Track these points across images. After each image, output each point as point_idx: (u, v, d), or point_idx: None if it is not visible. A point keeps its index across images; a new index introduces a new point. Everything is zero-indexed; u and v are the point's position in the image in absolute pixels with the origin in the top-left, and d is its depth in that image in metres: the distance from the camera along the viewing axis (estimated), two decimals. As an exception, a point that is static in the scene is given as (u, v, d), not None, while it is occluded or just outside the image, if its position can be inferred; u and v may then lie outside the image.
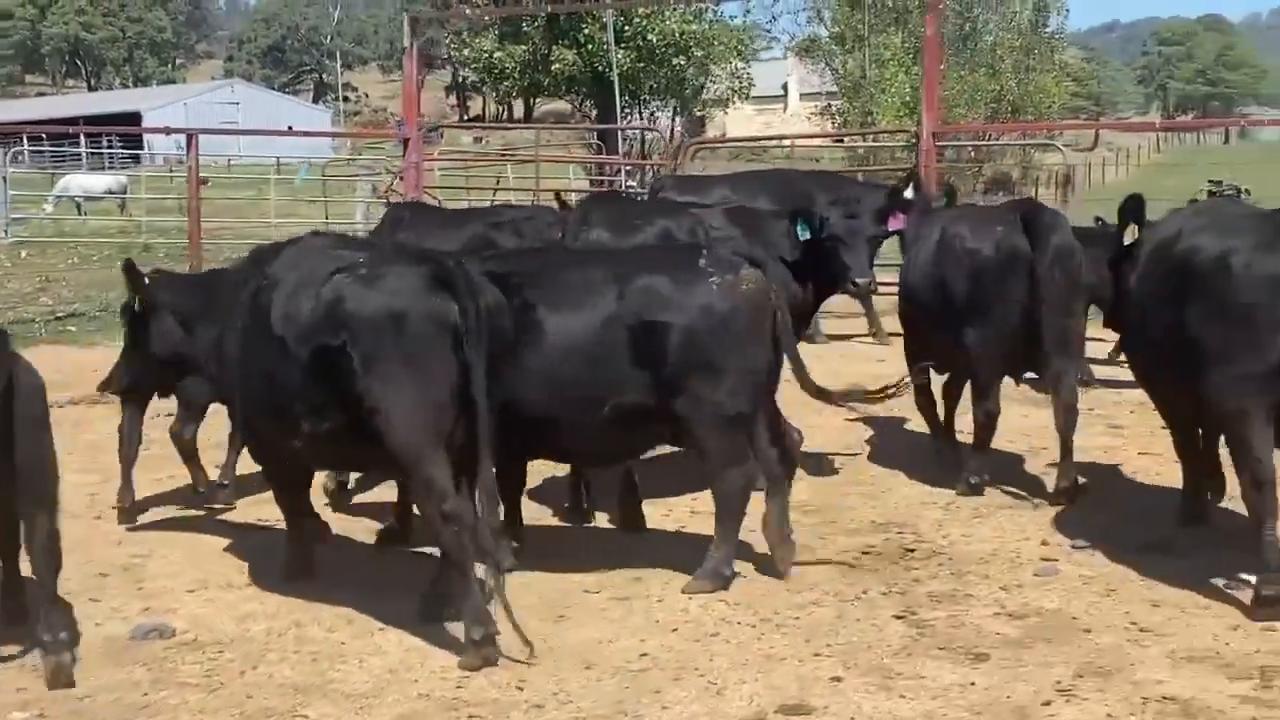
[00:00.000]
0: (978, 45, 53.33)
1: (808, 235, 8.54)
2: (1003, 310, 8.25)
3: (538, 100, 57.67)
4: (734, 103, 51.92)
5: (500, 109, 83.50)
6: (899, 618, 6.45)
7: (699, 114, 68.55)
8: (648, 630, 6.33)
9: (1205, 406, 6.66)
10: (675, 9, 37.65)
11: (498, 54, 41.35)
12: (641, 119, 40.77)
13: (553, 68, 40.48)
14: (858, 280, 8.42)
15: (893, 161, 41.75)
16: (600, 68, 37.10)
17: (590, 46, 39.27)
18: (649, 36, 38.82)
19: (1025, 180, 51.46)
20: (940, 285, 8.51)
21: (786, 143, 37.64)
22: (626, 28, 38.56)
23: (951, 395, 9.23)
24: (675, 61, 39.80)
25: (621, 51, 37.05)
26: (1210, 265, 6.44)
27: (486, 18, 36.40)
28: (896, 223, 8.66)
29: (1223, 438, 6.97)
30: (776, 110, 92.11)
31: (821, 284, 8.74)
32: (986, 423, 8.50)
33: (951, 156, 43.92)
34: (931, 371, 8.79)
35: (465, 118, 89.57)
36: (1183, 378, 6.66)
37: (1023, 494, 8.55)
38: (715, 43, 41.86)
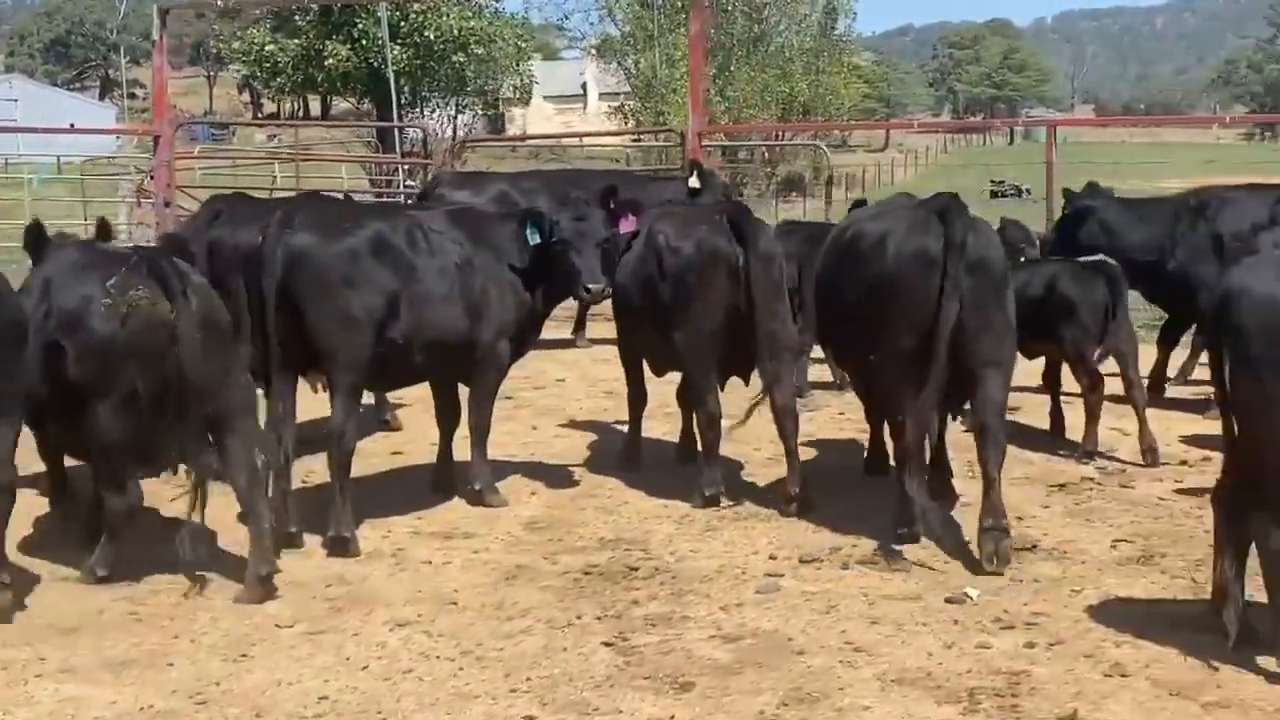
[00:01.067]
0: (769, 47, 53.86)
1: (537, 239, 8.18)
2: (708, 312, 8.03)
3: (333, 98, 56.35)
4: (518, 102, 51.49)
5: (295, 106, 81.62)
6: (608, 645, 6.11)
7: (498, 113, 68.10)
8: (336, 669, 5.86)
9: (871, 373, 7.58)
10: (453, 5, 37.09)
11: (270, 47, 40.23)
12: (424, 117, 40.04)
13: (326, 63, 39.51)
14: (589, 286, 8.06)
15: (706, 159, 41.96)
16: (376, 64, 36.33)
17: (365, 42, 38.44)
18: (426, 33, 38.13)
19: (817, 180, 52.33)
20: (647, 285, 8.25)
21: (582, 142, 37.62)
22: (403, 23, 37.84)
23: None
24: (455, 59, 39.20)
25: (398, 48, 36.32)
26: (871, 247, 7.40)
27: (253, 10, 35.66)
28: (628, 225, 8.32)
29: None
30: (577, 109, 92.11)
31: (552, 289, 8.38)
32: (709, 426, 8.22)
33: (745, 158, 44.29)
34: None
35: (259, 115, 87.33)
36: (856, 349, 7.61)
37: (762, 504, 8.28)
38: (497, 40, 41.36)
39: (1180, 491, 8.40)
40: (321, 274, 7.37)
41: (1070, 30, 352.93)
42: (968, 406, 7.50)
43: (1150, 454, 9.11)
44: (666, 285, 8.16)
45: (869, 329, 7.34)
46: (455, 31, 38.35)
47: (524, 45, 44.89)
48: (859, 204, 9.27)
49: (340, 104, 64.21)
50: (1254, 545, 5.59)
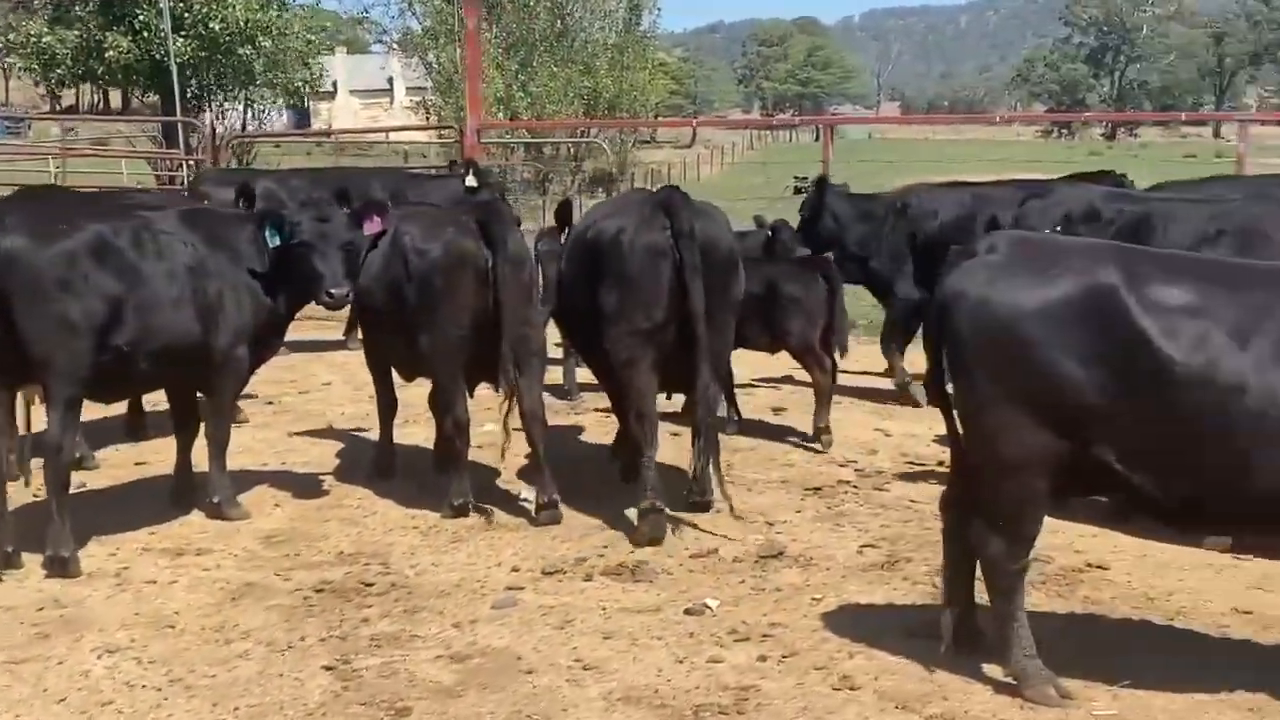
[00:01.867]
0: (573, 43, 53.58)
1: (278, 240, 7.82)
2: (456, 316, 7.78)
3: (134, 91, 54.34)
4: (324, 96, 50.47)
5: (95, 99, 78.89)
6: (329, 668, 5.82)
7: (303, 107, 66.62)
8: (30, 702, 5.48)
9: (606, 358, 7.78)
10: (238, -5, 36.07)
11: (48, 38, 38.62)
12: (210, 111, 38.88)
13: (106, 55, 38.05)
14: (331, 291, 7.72)
15: (488, 157, 41.58)
16: (158, 56, 35.10)
17: (147, 33, 37.12)
18: (212, 24, 36.95)
19: (623, 177, 52.27)
20: (393, 289, 7.97)
21: (388, 137, 36.98)
22: (187, 14, 36.63)
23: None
24: (242, 51, 38.13)
25: (181, 39, 35.15)
26: (608, 242, 7.66)
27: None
28: (373, 226, 7.99)
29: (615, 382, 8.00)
30: (383, 104, 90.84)
31: (294, 293, 8.03)
32: (456, 433, 7.97)
33: (550, 153, 44.04)
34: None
35: (58, 108, 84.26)
36: (601, 345, 7.77)
37: (513, 514, 8.06)
38: (287, 33, 40.32)
39: (932, 494, 8.40)
40: (34, 278, 6.91)
41: (877, 28, 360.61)
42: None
43: (825, 434, 9.59)
44: (413, 288, 7.88)
45: (610, 324, 7.65)
46: (242, 23, 37.26)
47: (315, 38, 43.85)
48: (562, 210, 9.42)
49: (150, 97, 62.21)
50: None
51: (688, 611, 6.42)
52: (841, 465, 9.19)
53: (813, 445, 9.61)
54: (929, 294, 10.62)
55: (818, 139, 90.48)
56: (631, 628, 6.23)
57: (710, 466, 7.77)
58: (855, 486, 8.66)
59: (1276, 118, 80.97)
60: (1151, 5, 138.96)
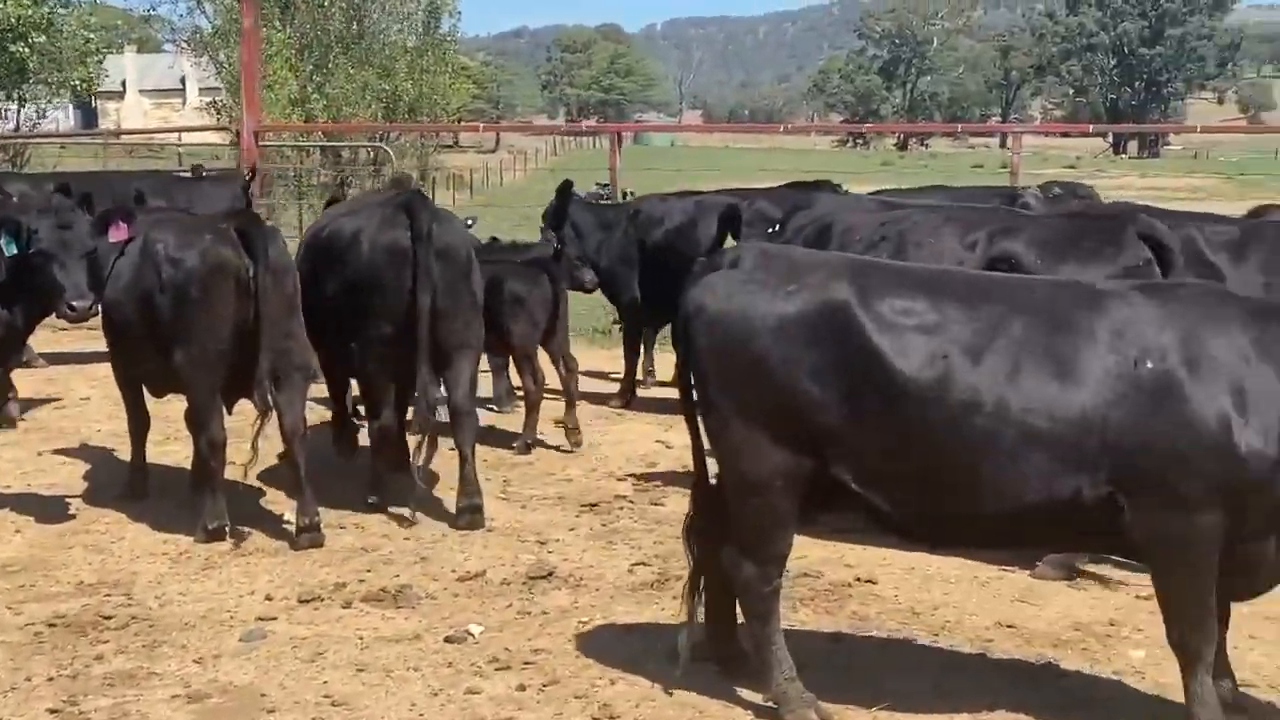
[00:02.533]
0: (370, 44, 52.75)
1: (14, 250, 7.32)
2: (214, 327, 7.40)
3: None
4: (113, 95, 48.66)
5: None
6: (54, 711, 5.41)
7: (91, 107, 64.28)
8: None
9: (355, 362, 8.03)
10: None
11: None
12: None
13: None
14: (73, 303, 7.26)
15: (282, 160, 40.56)
16: (-73, 53, 33.42)
17: (-85, 30, 35.25)
18: (-21, 21, 35.30)
19: (425, 181, 51.61)
20: (144, 300, 7.53)
21: (180, 138, 35.73)
22: (-46, 11, 34.91)
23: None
24: (14, 49, 36.47)
25: (-52, 36, 33.52)
26: (346, 242, 7.88)
27: None
28: (119, 233, 7.54)
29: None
30: (174, 104, 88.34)
31: (33, 305, 7.55)
32: (211, 453, 7.55)
33: (348, 157, 43.20)
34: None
35: None
36: (338, 340, 7.99)
37: (274, 537, 7.66)
38: (63, 30, 38.73)
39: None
40: None
41: (679, 37, 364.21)
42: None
43: (575, 434, 9.77)
44: (166, 299, 7.44)
45: (348, 321, 7.92)
46: (13, 20, 35.64)
47: (94, 35, 42.20)
48: (331, 202, 9.52)
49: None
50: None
51: (448, 639, 6.15)
52: (620, 479, 9.01)
53: (595, 467, 9.39)
54: (654, 301, 11.13)
55: (620, 145, 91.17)
56: (387, 659, 5.94)
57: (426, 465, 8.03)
58: (632, 502, 8.49)
59: (1046, 129, 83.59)
60: (941, 19, 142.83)
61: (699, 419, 5.30)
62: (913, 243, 7.60)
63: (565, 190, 11.70)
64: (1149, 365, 4.70)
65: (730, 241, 10.45)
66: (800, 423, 4.90)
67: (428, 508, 8.07)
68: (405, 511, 7.96)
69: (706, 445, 5.37)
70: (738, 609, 5.48)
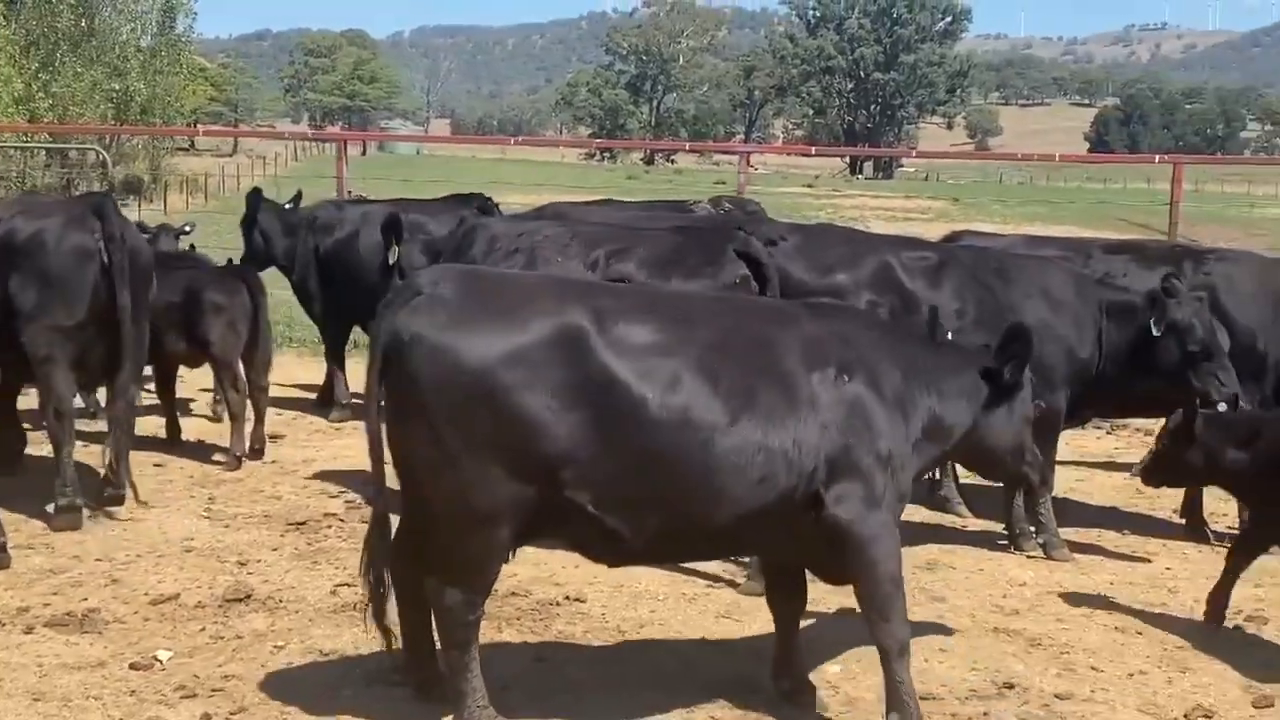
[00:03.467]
0: (101, 43, 50.84)
1: None
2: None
3: None
4: None
5: None
6: None
7: None
8: None
9: (23, 354, 7.79)
10: None
11: None
12: None
13: None
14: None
15: (5, 161, 38.69)
16: None
17: None
18: None
19: (156, 184, 49.92)
20: None
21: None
22: None
23: None
24: None
25: None
26: (27, 240, 7.69)
27: None
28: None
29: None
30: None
31: None
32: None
33: (75, 158, 41.43)
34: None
35: None
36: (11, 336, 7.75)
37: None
38: None
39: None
40: None
41: (428, 45, 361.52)
42: None
43: (257, 445, 9.73)
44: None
45: (29, 321, 7.72)
46: None
47: None
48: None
49: None
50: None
51: (134, 666, 5.88)
52: (332, 497, 8.81)
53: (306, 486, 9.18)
54: (332, 309, 11.26)
55: (364, 153, 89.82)
56: (67, 687, 5.64)
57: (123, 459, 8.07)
58: (342, 520, 8.28)
59: (774, 149, 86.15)
60: (687, 37, 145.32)
61: (404, 449, 5.01)
62: (542, 259, 7.70)
63: (252, 197, 11.64)
64: (846, 378, 5.09)
65: (395, 250, 10.56)
66: (536, 451, 4.78)
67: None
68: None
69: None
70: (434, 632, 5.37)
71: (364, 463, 9.29)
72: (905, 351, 5.42)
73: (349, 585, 7.03)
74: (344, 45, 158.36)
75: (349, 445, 10.23)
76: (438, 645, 5.32)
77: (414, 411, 4.85)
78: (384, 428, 5.00)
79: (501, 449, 4.76)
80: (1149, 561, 8.05)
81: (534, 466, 4.79)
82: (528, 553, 6.92)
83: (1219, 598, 6.84)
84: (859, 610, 5.28)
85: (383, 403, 4.98)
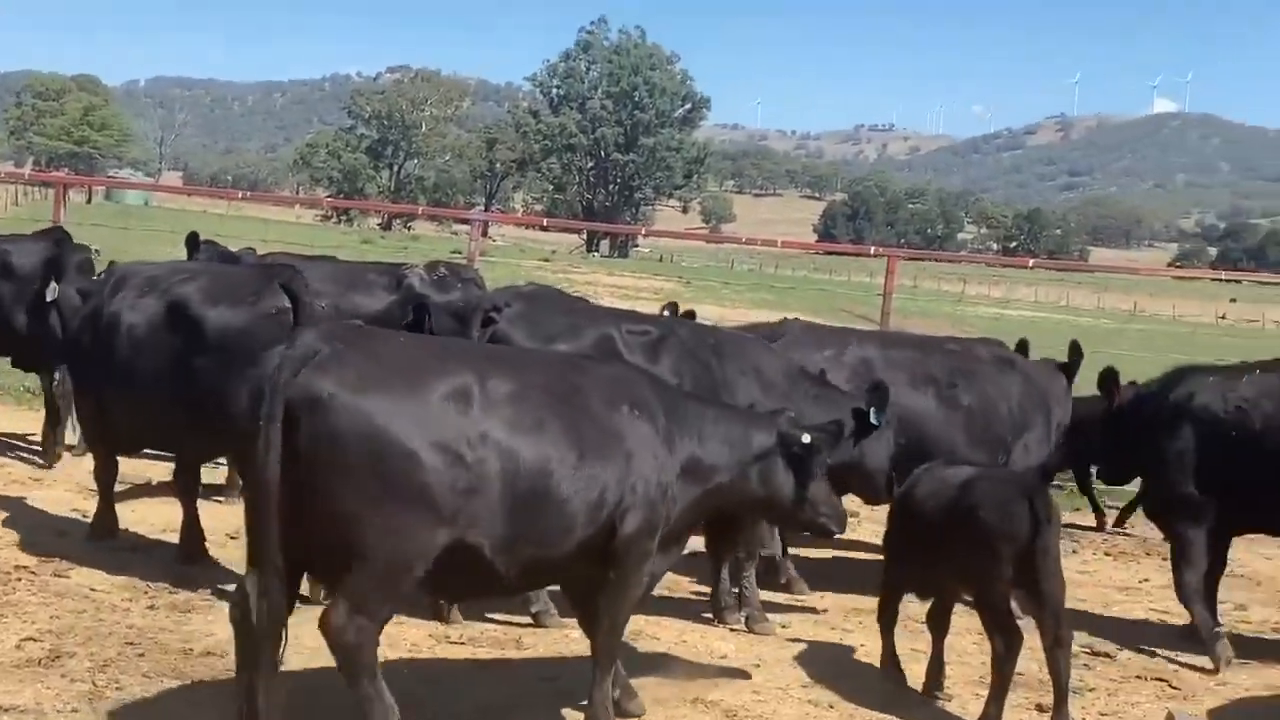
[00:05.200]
0: None
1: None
2: None
3: None
4: None
5: None
6: None
7: None
8: None
9: None
10: None
11: None
12: None
13: None
14: None
15: None
16: None
17: None
18: None
19: None
20: None
21: None
22: None
23: None
24: None
25: None
26: None
27: None
28: None
29: None
30: None
31: None
32: None
33: None
34: None
35: None
36: None
37: None
38: None
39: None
40: None
41: (163, 95, 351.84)
42: None
43: None
44: None
45: None
46: None
47: None
48: None
49: None
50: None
51: None
52: (25, 549, 8.41)
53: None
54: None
55: (90, 201, 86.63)
56: None
57: None
58: (34, 573, 7.93)
59: (507, 219, 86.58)
60: (430, 105, 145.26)
61: (315, 502, 5.20)
62: (133, 291, 8.28)
63: None
64: (636, 414, 5.81)
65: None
66: (439, 498, 5.23)
67: None
68: None
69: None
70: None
71: (60, 516, 9.11)
72: (669, 396, 6.17)
73: (36, 640, 6.79)
74: (74, 89, 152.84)
75: (47, 496, 9.84)
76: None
77: (327, 466, 5.18)
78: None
79: (410, 497, 5.20)
80: (848, 632, 8.31)
81: (437, 512, 5.24)
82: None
83: (936, 669, 7.18)
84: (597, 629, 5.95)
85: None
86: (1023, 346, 9.92)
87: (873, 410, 8.04)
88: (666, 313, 10.01)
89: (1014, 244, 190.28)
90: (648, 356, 8.11)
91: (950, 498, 6.81)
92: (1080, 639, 8.28)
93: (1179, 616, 8.93)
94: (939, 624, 7.20)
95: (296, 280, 7.94)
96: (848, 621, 8.57)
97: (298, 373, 5.20)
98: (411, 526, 5.21)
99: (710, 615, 8.31)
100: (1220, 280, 58.87)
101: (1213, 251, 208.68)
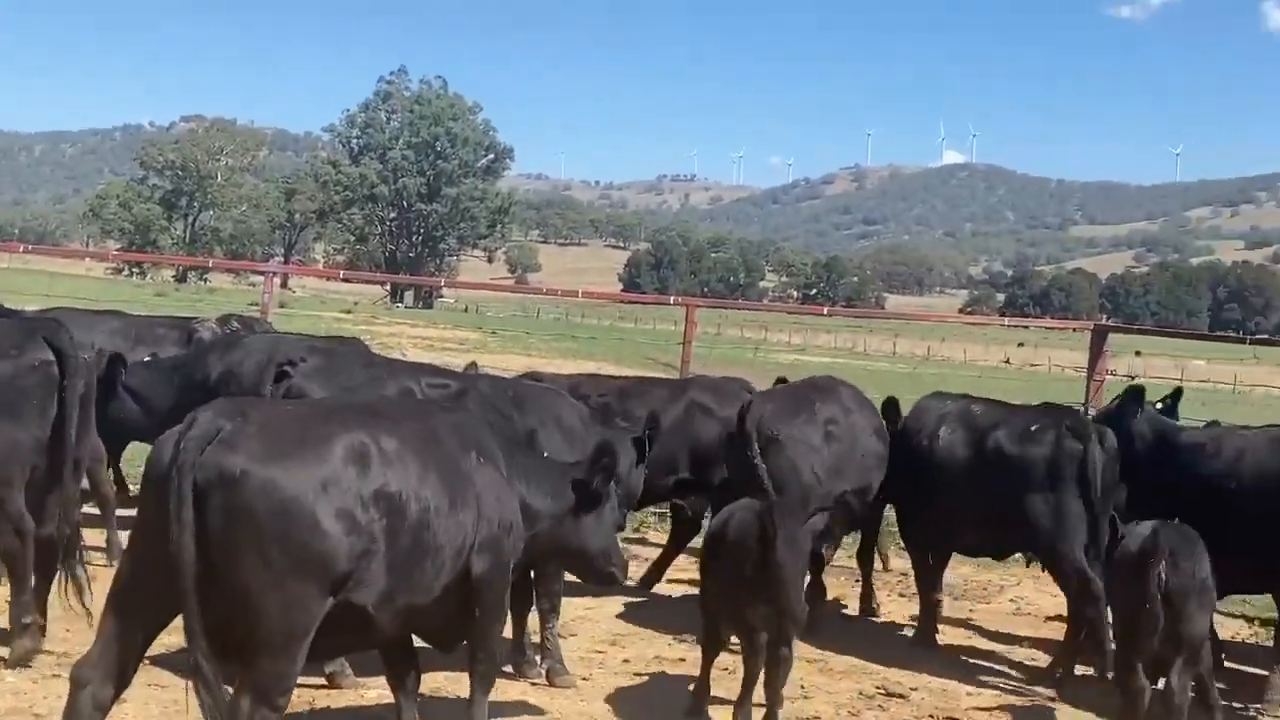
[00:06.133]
0: None
1: None
2: None
3: None
4: None
5: None
6: None
7: None
8: None
9: None
10: None
11: None
12: None
13: None
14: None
15: None
16: None
17: None
18: None
19: None
20: None
21: None
22: None
23: None
24: None
25: None
26: None
27: None
28: None
29: None
30: None
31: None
32: None
33: None
34: None
35: None
36: None
37: None
38: None
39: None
40: None
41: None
42: None
43: None
44: None
45: None
46: None
47: None
48: None
49: None
50: None
51: None
52: None
53: None
54: None
55: None
56: None
57: None
58: None
59: (302, 270, 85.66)
60: (226, 155, 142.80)
61: (228, 578, 5.14)
62: None
63: None
64: (481, 460, 5.99)
65: None
66: (340, 565, 5.24)
67: None
68: None
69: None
70: None
71: None
72: (505, 443, 6.46)
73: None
74: None
75: None
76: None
77: (238, 542, 5.11)
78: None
79: (310, 568, 5.17)
80: (647, 679, 8.32)
81: (341, 575, 5.25)
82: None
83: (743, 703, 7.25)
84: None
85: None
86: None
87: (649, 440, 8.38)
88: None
89: (813, 291, 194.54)
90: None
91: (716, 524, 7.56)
92: (875, 679, 8.47)
93: (973, 656, 9.17)
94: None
95: (60, 334, 7.75)
96: (649, 668, 8.58)
97: (203, 451, 5.12)
98: (309, 597, 5.19)
99: (510, 668, 8.22)
100: (1005, 326, 60.98)
101: (1000, 297, 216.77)
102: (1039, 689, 8.53)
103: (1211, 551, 7.22)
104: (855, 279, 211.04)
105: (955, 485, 9.03)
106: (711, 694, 7.50)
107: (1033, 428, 8.82)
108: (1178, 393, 9.80)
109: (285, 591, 5.13)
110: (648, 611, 9.89)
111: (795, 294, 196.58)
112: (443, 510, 5.62)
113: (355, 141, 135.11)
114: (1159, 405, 9.55)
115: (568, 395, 8.89)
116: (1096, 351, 12.93)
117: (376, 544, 5.34)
